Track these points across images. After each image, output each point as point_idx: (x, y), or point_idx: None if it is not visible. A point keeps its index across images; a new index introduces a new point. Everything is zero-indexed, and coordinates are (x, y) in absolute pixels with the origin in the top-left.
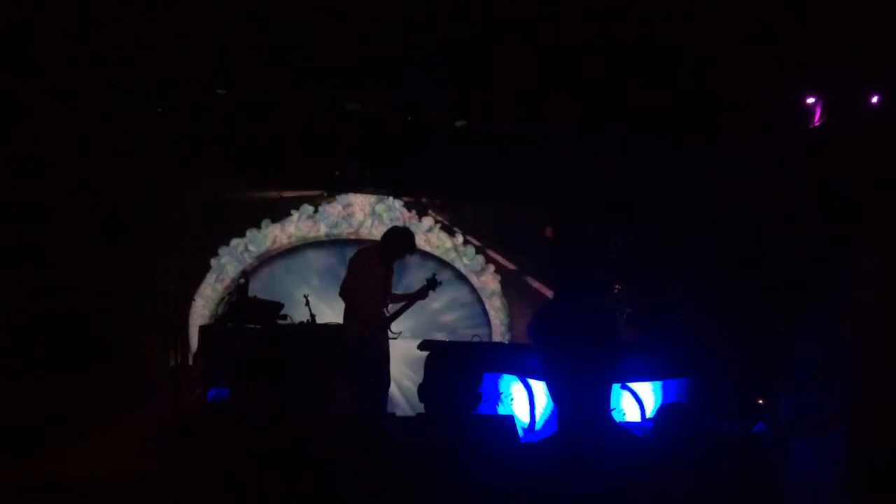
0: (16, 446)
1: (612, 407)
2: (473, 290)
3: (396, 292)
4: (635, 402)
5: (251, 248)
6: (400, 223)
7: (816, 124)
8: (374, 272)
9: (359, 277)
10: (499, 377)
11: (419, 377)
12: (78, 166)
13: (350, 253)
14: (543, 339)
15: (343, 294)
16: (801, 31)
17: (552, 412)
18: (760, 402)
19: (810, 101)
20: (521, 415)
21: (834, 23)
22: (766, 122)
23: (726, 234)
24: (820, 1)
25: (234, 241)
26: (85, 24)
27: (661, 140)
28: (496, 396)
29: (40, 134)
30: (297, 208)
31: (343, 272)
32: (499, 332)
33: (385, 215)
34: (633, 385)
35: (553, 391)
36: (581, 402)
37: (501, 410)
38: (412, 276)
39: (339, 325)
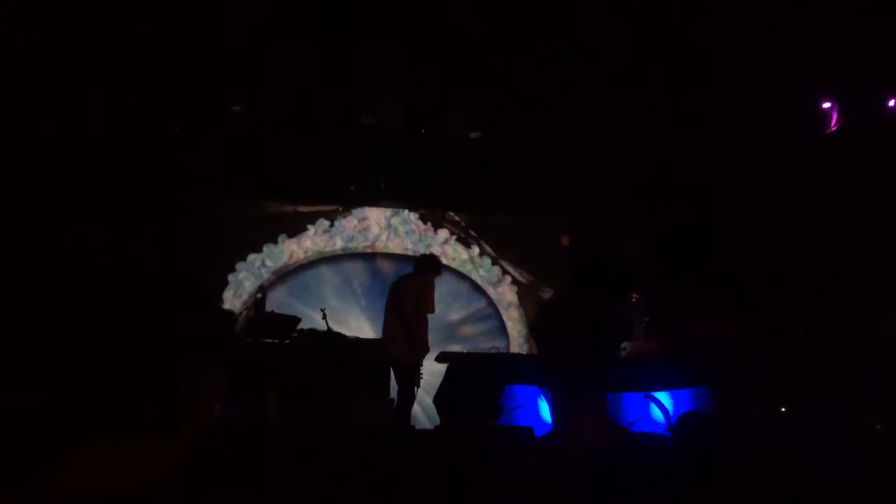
0: (27, 457)
1: (635, 417)
2: (490, 301)
3: None
4: (660, 411)
5: (268, 262)
6: (416, 236)
7: (833, 129)
8: None
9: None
10: (527, 388)
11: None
12: (97, 183)
13: (367, 266)
14: (541, 340)
15: (425, 315)
16: (817, 35)
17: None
18: (783, 409)
19: (826, 105)
20: (545, 425)
21: (850, 27)
22: (783, 128)
23: (743, 241)
24: (835, 5)
25: (251, 257)
26: (104, 41)
27: (675, 147)
28: (528, 405)
29: (59, 152)
30: (312, 223)
31: (357, 287)
32: (516, 343)
33: (401, 228)
34: (654, 394)
35: (553, 397)
36: (581, 409)
37: (526, 420)
38: None
39: (350, 337)
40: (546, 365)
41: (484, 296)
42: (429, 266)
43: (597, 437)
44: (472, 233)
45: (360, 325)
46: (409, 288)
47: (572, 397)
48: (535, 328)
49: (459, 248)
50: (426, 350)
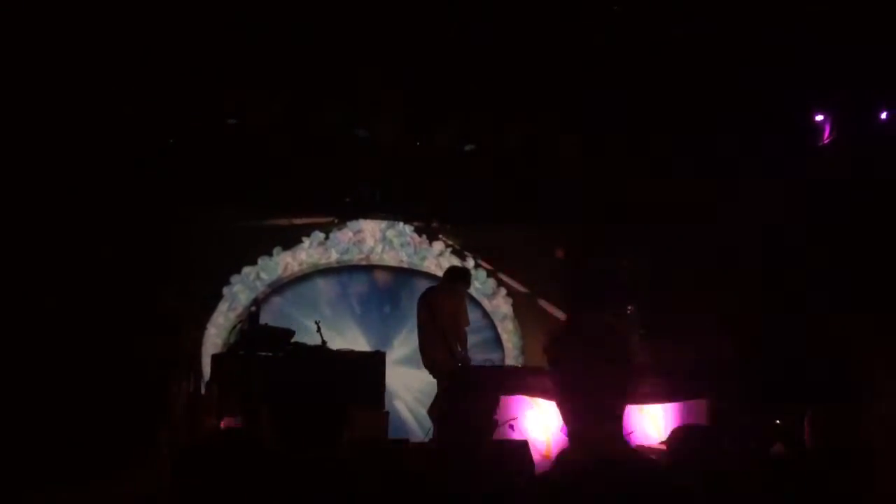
0: (22, 479)
1: (629, 430)
2: (485, 313)
3: None
4: (654, 423)
5: (263, 275)
6: (411, 248)
7: (826, 141)
8: None
9: None
10: (519, 400)
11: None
12: (91, 197)
13: (362, 278)
14: (557, 360)
15: (464, 329)
16: (811, 48)
17: (562, 435)
18: (777, 422)
19: (819, 118)
20: (539, 438)
21: (843, 39)
22: (776, 140)
23: (738, 252)
24: (828, 17)
25: (246, 269)
26: (98, 55)
27: (669, 159)
28: (518, 420)
29: (54, 165)
30: (307, 235)
31: (353, 299)
32: (511, 355)
33: (396, 241)
34: (649, 407)
35: (566, 413)
36: (594, 425)
37: (518, 434)
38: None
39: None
40: (559, 383)
41: (479, 308)
42: (460, 278)
43: (608, 451)
44: (467, 245)
45: (356, 337)
46: (444, 304)
47: (585, 414)
48: (548, 350)
49: (454, 260)
50: (468, 361)
